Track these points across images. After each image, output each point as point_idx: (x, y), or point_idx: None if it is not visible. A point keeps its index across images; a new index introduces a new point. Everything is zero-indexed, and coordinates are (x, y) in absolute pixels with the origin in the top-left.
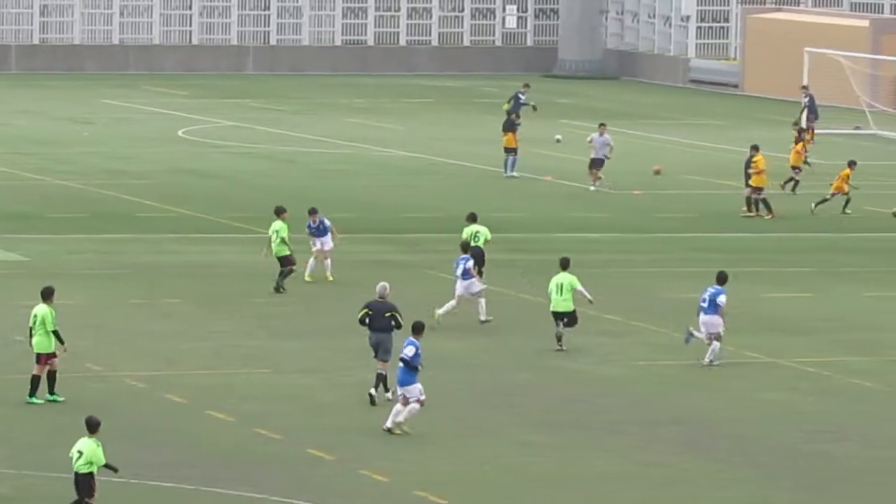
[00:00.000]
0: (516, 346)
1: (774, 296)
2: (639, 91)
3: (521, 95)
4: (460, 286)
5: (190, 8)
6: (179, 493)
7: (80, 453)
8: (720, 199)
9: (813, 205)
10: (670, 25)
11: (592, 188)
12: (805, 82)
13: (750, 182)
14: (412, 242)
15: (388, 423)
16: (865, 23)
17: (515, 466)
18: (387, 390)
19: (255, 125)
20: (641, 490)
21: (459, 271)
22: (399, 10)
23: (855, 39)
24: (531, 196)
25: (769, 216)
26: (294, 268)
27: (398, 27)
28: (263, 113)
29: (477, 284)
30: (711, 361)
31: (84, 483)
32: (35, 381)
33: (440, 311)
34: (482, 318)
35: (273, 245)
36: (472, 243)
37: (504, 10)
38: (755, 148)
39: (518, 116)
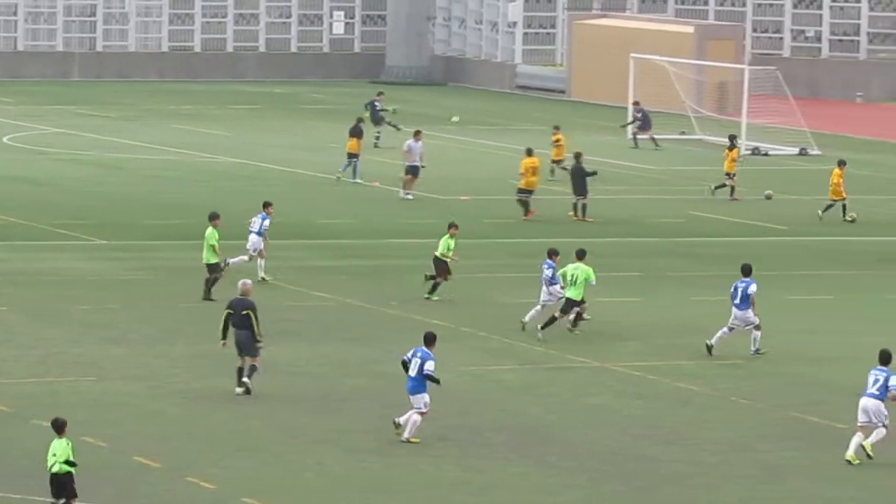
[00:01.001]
0: (344, 352)
1: (602, 300)
2: (466, 97)
3: (376, 104)
4: (544, 292)
5: (15, 14)
6: None
7: (55, 455)
8: (548, 204)
9: (819, 212)
10: (497, 31)
11: (409, 196)
12: (634, 97)
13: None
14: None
15: (402, 420)
16: (690, 29)
17: (342, 473)
18: (240, 385)
19: (81, 132)
20: (467, 495)
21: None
22: (226, 16)
23: (680, 45)
24: (360, 202)
25: (525, 217)
26: (220, 276)
27: (225, 33)
28: (90, 119)
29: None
30: (757, 350)
31: (64, 484)
32: None
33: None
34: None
35: (204, 251)
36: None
37: (331, 16)
38: (528, 151)
39: (369, 125)
